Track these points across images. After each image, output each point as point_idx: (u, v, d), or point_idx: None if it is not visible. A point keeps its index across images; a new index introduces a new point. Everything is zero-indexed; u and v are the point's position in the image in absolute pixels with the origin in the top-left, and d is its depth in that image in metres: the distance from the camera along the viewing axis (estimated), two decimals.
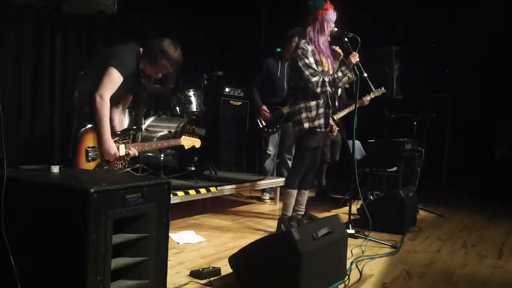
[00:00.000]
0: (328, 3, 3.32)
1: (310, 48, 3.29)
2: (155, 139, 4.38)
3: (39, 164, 2.05)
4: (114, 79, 2.78)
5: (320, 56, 3.34)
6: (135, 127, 3.13)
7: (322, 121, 3.38)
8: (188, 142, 3.47)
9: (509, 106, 6.18)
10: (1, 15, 3.95)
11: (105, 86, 2.76)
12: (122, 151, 2.98)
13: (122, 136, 3.01)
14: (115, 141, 2.93)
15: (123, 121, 3.21)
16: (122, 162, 3.01)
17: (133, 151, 3.06)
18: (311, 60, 3.27)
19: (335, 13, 3.34)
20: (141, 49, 3.01)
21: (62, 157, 2.68)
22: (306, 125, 3.35)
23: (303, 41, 3.32)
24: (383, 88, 4.41)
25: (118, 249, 1.77)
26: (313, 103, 3.35)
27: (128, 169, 3.96)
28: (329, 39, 3.45)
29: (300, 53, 3.29)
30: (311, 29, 3.32)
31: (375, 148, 5.03)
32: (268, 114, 4.70)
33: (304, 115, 3.35)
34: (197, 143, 3.55)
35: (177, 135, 4.29)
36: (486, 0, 5.92)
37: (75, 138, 2.78)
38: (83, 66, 3.05)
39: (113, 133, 2.94)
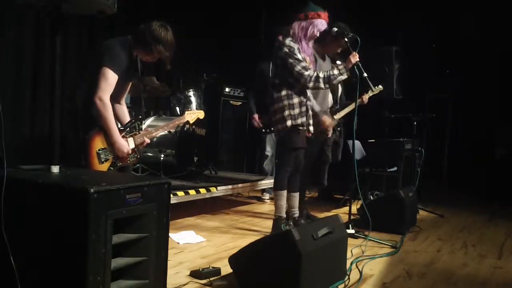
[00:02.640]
0: (324, 12, 3.32)
1: (296, 46, 3.29)
2: (155, 139, 4.37)
3: (39, 164, 2.05)
4: (109, 79, 2.76)
5: (304, 54, 3.34)
6: (140, 116, 3.09)
7: (304, 119, 3.36)
8: (192, 116, 3.38)
9: (508, 106, 6.18)
10: (1, 15, 3.95)
11: (102, 88, 2.74)
12: (132, 145, 2.98)
13: (128, 130, 3.00)
14: (122, 137, 2.93)
15: (126, 112, 3.19)
16: (134, 154, 3.01)
17: (146, 140, 3.06)
18: (299, 56, 3.27)
19: (325, 26, 3.34)
20: (130, 38, 2.92)
21: (75, 164, 2.69)
22: (289, 122, 3.32)
23: (289, 39, 3.30)
24: (380, 86, 4.40)
25: (118, 249, 1.77)
26: (296, 100, 3.33)
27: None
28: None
29: (288, 50, 3.27)
30: (297, 25, 3.32)
31: (375, 148, 5.03)
32: (258, 122, 4.82)
33: (286, 112, 3.32)
34: (200, 114, 3.43)
35: (176, 135, 4.30)
36: (486, 0, 5.92)
37: (83, 144, 2.78)
38: (80, 70, 3.02)
39: (119, 129, 2.94)
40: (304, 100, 3.37)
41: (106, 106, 2.76)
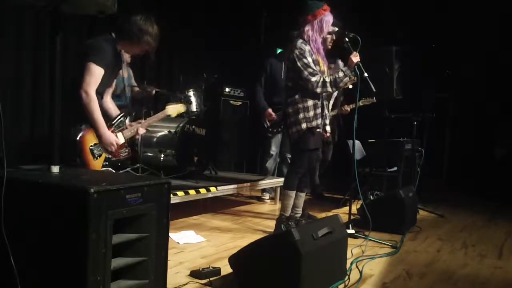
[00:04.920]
0: (326, 4, 3.33)
1: (307, 48, 3.29)
2: (155, 139, 4.38)
3: (39, 164, 2.05)
4: (95, 74, 2.78)
5: (317, 56, 3.34)
6: (122, 113, 3.13)
7: (320, 121, 3.38)
8: (174, 110, 3.41)
9: (508, 106, 6.18)
10: (1, 15, 3.95)
11: (88, 82, 2.76)
12: (122, 139, 3.00)
13: (116, 125, 3.03)
14: (112, 131, 2.95)
15: (115, 106, 3.21)
16: (124, 149, 3.04)
17: (142, 131, 3.13)
18: (309, 59, 3.27)
19: (332, 16, 3.35)
20: (114, 34, 2.95)
21: (68, 162, 2.70)
22: (304, 125, 3.32)
23: (300, 40, 3.32)
24: (374, 98, 4.41)
25: (118, 249, 1.77)
26: (310, 102, 3.33)
27: (128, 169, 3.97)
28: (332, 41, 3.45)
29: (298, 53, 3.28)
30: (309, 27, 3.32)
31: (375, 148, 5.03)
32: (273, 116, 4.71)
33: (301, 115, 3.32)
34: (182, 107, 3.46)
35: (176, 135, 4.30)
36: (487, 0, 5.92)
37: (76, 141, 2.79)
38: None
39: (108, 124, 2.96)
40: (318, 102, 3.37)
41: (91, 98, 2.77)
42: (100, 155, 2.89)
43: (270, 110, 4.71)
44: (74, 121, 2.84)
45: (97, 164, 2.87)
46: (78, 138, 2.80)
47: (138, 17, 2.90)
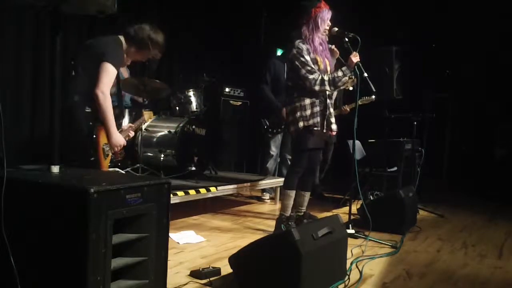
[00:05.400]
0: (322, 2, 3.33)
1: (305, 47, 3.30)
2: (155, 139, 4.38)
3: (39, 164, 2.05)
4: (111, 74, 2.82)
5: (315, 54, 3.34)
6: (117, 114, 3.22)
7: (317, 120, 3.33)
8: (147, 116, 3.69)
9: (508, 106, 6.18)
10: (1, 15, 3.95)
11: (104, 81, 2.79)
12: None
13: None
14: None
15: None
16: (122, 150, 3.10)
17: (132, 134, 3.25)
18: (307, 58, 3.28)
19: (330, 12, 3.35)
20: (122, 38, 3.00)
21: (84, 161, 2.74)
22: (301, 124, 3.32)
23: (298, 40, 3.33)
24: (373, 97, 4.40)
25: (118, 249, 1.77)
26: (307, 101, 3.33)
27: (128, 169, 3.97)
28: (328, 39, 3.45)
29: (295, 52, 3.30)
30: (305, 27, 3.33)
31: (375, 148, 5.03)
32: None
33: (298, 114, 3.33)
34: (151, 114, 3.79)
35: (176, 135, 4.30)
36: (486, 0, 5.92)
37: (92, 141, 2.82)
38: (72, 67, 3.05)
39: None
40: (316, 100, 3.35)
41: (107, 99, 2.81)
42: (107, 155, 2.93)
43: (285, 110, 4.65)
44: (88, 119, 2.87)
45: (106, 163, 2.92)
46: (94, 138, 2.84)
47: (149, 28, 2.99)
